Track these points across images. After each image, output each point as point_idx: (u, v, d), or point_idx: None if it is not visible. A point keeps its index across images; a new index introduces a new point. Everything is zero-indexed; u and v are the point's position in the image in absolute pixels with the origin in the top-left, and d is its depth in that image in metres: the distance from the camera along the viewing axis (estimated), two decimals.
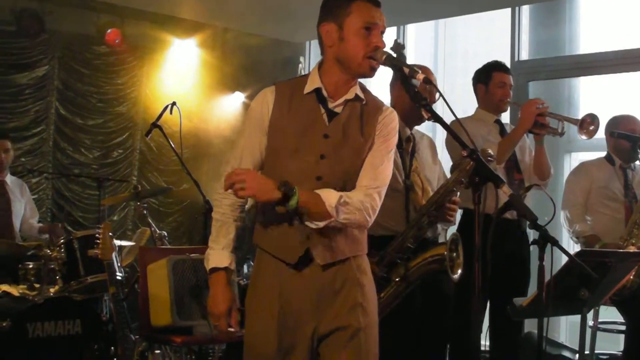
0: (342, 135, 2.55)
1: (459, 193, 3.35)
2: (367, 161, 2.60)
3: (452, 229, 3.66)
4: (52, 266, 4.74)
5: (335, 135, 2.55)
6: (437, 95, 3.23)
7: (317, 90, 2.57)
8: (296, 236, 2.52)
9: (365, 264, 2.67)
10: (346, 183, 2.56)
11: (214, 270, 2.64)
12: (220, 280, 2.64)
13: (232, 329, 2.66)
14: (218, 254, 2.65)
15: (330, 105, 2.57)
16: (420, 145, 3.66)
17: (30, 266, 4.72)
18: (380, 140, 2.61)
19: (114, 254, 4.32)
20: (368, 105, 2.63)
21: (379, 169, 2.60)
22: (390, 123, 2.64)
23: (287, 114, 2.56)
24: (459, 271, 3.25)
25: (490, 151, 3.44)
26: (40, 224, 5.96)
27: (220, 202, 2.67)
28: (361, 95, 2.61)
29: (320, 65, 2.62)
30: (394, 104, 3.59)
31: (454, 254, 3.27)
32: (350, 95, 2.58)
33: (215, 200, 2.70)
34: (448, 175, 3.72)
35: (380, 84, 3.72)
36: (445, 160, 4.01)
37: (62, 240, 4.94)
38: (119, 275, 4.66)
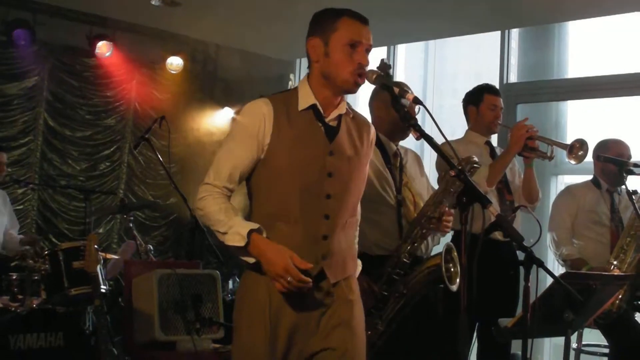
0: (346, 153, 2.58)
1: (448, 204, 3.37)
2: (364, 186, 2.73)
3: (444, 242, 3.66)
4: (36, 278, 4.70)
5: (339, 153, 2.57)
6: (417, 109, 3.29)
7: (313, 106, 2.57)
8: (310, 256, 2.48)
9: (354, 283, 2.68)
10: (349, 199, 2.60)
11: (251, 232, 2.41)
12: (264, 239, 2.44)
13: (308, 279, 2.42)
14: (243, 222, 2.44)
15: (326, 120, 2.58)
16: (406, 159, 3.68)
17: (14, 277, 4.68)
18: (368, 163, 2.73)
19: (99, 267, 4.29)
20: (355, 119, 2.68)
21: None
22: (374, 142, 2.77)
23: (288, 129, 2.53)
24: (457, 280, 3.26)
25: (474, 158, 3.46)
26: (21, 236, 5.88)
27: (212, 195, 2.52)
28: (349, 109, 2.65)
29: (308, 79, 2.63)
30: (375, 121, 3.60)
31: (450, 265, 3.28)
32: (342, 109, 2.61)
33: (206, 196, 2.53)
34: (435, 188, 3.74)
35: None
36: (432, 176, 4.02)
37: (46, 252, 4.90)
38: (103, 288, 4.63)
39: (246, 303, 2.58)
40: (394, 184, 3.50)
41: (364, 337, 2.67)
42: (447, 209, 3.34)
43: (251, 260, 2.47)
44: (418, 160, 3.83)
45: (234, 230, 2.43)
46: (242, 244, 2.42)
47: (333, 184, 2.54)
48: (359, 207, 2.77)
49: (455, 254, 3.31)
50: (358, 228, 2.82)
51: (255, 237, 2.43)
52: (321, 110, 2.58)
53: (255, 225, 2.43)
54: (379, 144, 3.49)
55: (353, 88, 2.57)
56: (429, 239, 3.49)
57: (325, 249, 2.53)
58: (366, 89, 2.77)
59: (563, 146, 4.18)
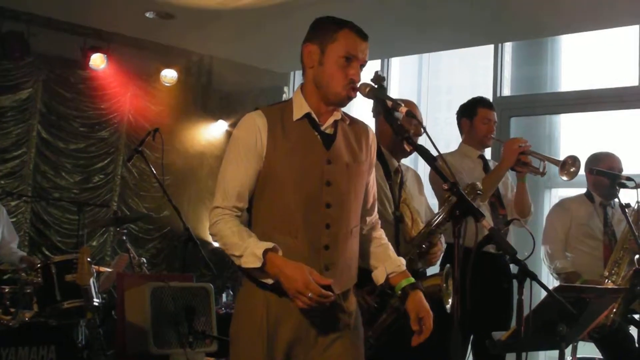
0: (344, 160, 2.56)
1: (442, 236, 3.38)
2: (371, 192, 2.73)
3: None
4: (28, 290, 4.68)
5: (337, 160, 2.55)
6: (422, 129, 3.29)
7: (307, 115, 2.56)
8: (313, 268, 2.42)
9: (352, 293, 2.66)
10: (350, 207, 2.57)
11: (267, 252, 2.39)
12: (280, 257, 2.40)
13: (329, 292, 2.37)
14: (257, 243, 2.40)
15: (322, 128, 2.57)
16: (407, 177, 3.68)
17: (6, 290, 4.66)
18: (372, 169, 2.70)
19: (91, 280, 4.27)
20: (353, 126, 2.66)
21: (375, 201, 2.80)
22: (375, 147, 2.73)
23: (283, 140, 2.51)
24: (450, 300, 3.26)
25: (478, 184, 3.47)
26: (23, 254, 5.80)
27: (223, 219, 2.49)
28: (345, 115, 2.64)
29: (302, 88, 2.62)
30: (379, 136, 3.61)
31: (444, 285, 3.27)
32: (337, 115, 2.60)
33: (218, 221, 2.50)
34: (433, 208, 3.75)
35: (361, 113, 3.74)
36: (429, 194, 4.03)
37: (39, 265, 4.88)
38: (95, 302, 4.61)
39: (243, 317, 2.56)
40: (392, 200, 3.50)
41: (363, 349, 2.65)
42: (438, 241, 3.35)
43: (269, 281, 2.44)
44: (418, 179, 3.84)
45: (249, 251, 2.39)
46: (258, 265, 2.38)
47: (332, 193, 2.52)
48: (375, 214, 2.82)
49: (451, 278, 3.29)
50: (382, 230, 2.85)
51: (271, 256, 2.39)
52: (316, 119, 2.56)
53: (270, 245, 2.40)
54: (381, 158, 3.49)
55: (344, 101, 2.56)
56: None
57: (327, 259, 2.50)
58: (359, 101, 2.77)
59: (555, 162, 4.20)
